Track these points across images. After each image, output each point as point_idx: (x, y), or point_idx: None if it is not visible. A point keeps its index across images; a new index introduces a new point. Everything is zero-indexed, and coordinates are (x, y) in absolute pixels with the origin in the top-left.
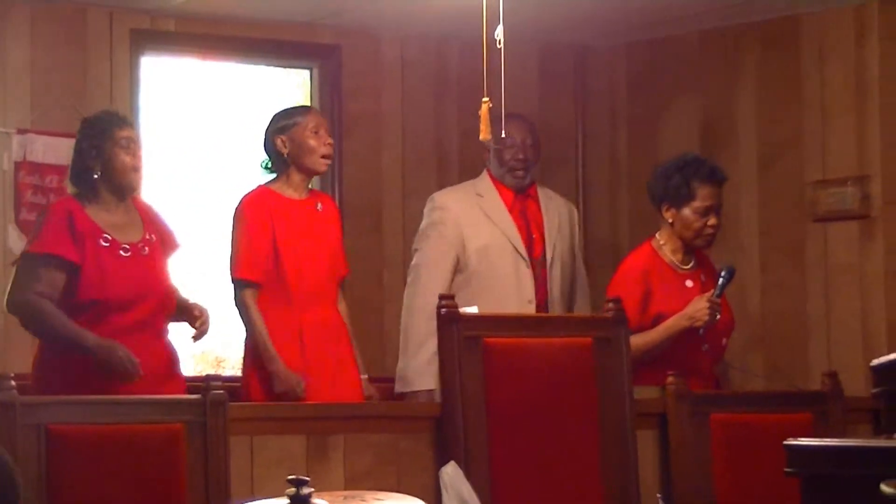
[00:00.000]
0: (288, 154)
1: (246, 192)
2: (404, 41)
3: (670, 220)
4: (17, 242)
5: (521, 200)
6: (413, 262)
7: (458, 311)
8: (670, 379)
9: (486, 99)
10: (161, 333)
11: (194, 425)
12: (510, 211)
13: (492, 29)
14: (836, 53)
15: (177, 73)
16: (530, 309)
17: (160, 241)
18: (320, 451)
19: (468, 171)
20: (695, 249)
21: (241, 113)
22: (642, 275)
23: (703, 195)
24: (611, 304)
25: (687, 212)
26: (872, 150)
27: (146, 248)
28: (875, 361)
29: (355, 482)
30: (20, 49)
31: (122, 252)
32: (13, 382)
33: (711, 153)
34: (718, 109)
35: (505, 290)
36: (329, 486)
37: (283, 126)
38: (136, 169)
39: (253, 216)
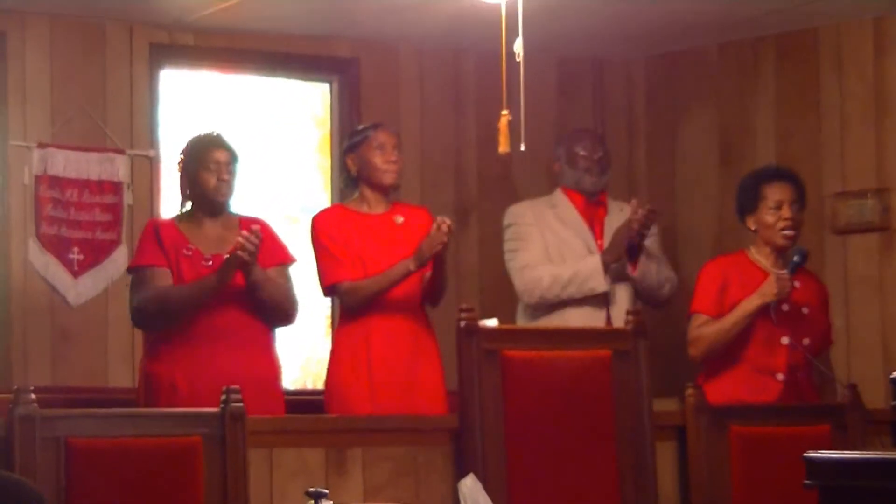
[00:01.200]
0: (358, 172)
1: (318, 210)
2: (422, 54)
3: (754, 228)
4: (38, 256)
5: (593, 207)
6: (507, 248)
7: (477, 324)
8: (690, 391)
9: (504, 111)
10: (254, 345)
11: (212, 438)
12: (582, 216)
13: (510, 41)
14: (854, 65)
15: (196, 87)
16: (602, 315)
17: (259, 254)
18: (339, 463)
19: (486, 184)
20: (784, 253)
21: (261, 127)
22: (722, 267)
23: (771, 192)
24: (630, 317)
25: (762, 212)
26: (892, 161)
27: None
28: (895, 374)
29: (374, 495)
30: (40, 63)
31: (203, 262)
32: (33, 396)
33: (729, 166)
34: (737, 122)
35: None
36: (348, 498)
37: (351, 144)
38: (221, 183)
39: (325, 228)
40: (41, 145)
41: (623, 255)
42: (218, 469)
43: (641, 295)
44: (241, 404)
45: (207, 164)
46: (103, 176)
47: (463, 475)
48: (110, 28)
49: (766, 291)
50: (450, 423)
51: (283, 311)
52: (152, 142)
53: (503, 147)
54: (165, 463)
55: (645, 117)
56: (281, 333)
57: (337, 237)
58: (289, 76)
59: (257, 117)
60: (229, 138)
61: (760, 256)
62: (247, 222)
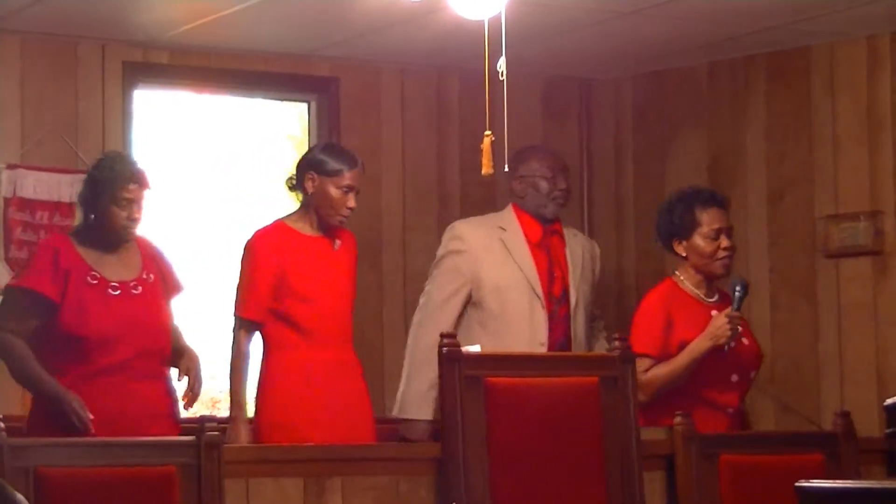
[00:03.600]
0: (312, 194)
1: (260, 226)
2: (404, 73)
3: (683, 254)
4: (6, 280)
5: (547, 236)
6: (425, 288)
7: (460, 350)
8: (678, 419)
9: (488, 132)
10: (152, 375)
11: (188, 468)
12: (533, 246)
13: (494, 61)
14: (847, 85)
15: (171, 107)
16: (541, 351)
17: (160, 280)
18: (318, 494)
19: (470, 207)
20: (715, 283)
21: (238, 148)
22: (663, 303)
23: (708, 219)
24: (617, 343)
25: (697, 239)
26: (885, 184)
27: (139, 287)
28: (889, 401)
29: None
30: (10, 82)
31: (110, 290)
32: (1, 424)
33: (720, 187)
34: (727, 143)
35: (517, 330)
36: None
37: (321, 169)
38: (126, 227)
39: (261, 253)
40: (10, 166)
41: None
42: (194, 500)
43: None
44: (216, 433)
45: (119, 199)
46: (74, 198)
47: None
48: (82, 46)
49: (718, 334)
50: (432, 452)
51: None
52: None
53: (486, 168)
54: (140, 493)
55: (633, 138)
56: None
57: (272, 267)
58: (267, 96)
59: (233, 138)
60: (141, 164)
61: (690, 284)
62: (145, 244)
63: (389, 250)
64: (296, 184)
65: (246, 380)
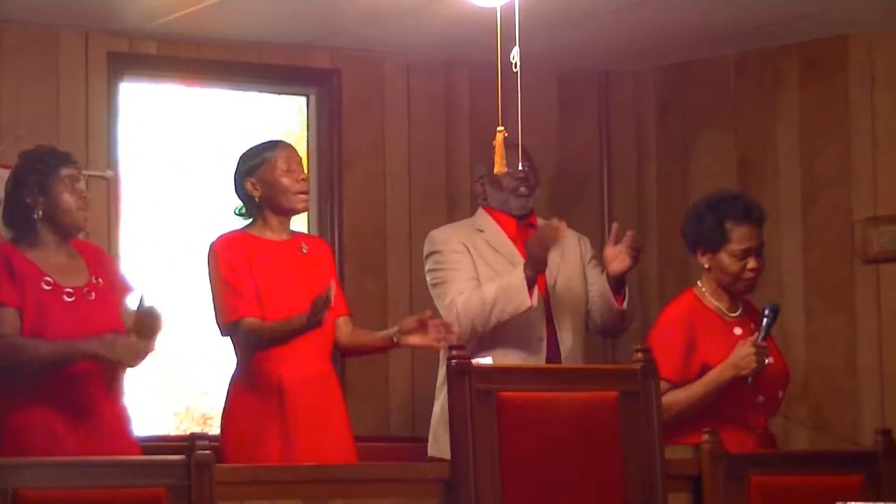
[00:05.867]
0: (261, 197)
1: (215, 236)
2: (410, 65)
3: (707, 266)
4: None
5: (523, 230)
6: (438, 295)
7: (470, 362)
8: (705, 437)
9: (500, 128)
10: (113, 388)
11: (177, 489)
12: (514, 242)
13: (506, 52)
14: (887, 77)
15: (159, 101)
16: (541, 347)
17: (108, 285)
18: None
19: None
20: (739, 296)
21: (229, 145)
22: (685, 322)
23: (738, 237)
24: (639, 355)
25: (723, 256)
26: None
27: (92, 293)
28: None
29: None
30: None
31: (65, 296)
32: None
33: (749, 189)
34: (757, 140)
35: (514, 326)
36: None
37: (250, 167)
38: (82, 208)
39: (228, 257)
40: None
41: (542, 269)
42: None
43: (611, 327)
44: (208, 451)
45: (63, 180)
46: None
47: None
48: (64, 35)
49: (742, 364)
50: (440, 472)
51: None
52: (110, 162)
53: (499, 167)
54: None
55: (655, 135)
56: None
57: (241, 267)
58: (262, 89)
59: (226, 135)
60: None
61: (713, 298)
62: (85, 247)
63: (394, 257)
64: (243, 201)
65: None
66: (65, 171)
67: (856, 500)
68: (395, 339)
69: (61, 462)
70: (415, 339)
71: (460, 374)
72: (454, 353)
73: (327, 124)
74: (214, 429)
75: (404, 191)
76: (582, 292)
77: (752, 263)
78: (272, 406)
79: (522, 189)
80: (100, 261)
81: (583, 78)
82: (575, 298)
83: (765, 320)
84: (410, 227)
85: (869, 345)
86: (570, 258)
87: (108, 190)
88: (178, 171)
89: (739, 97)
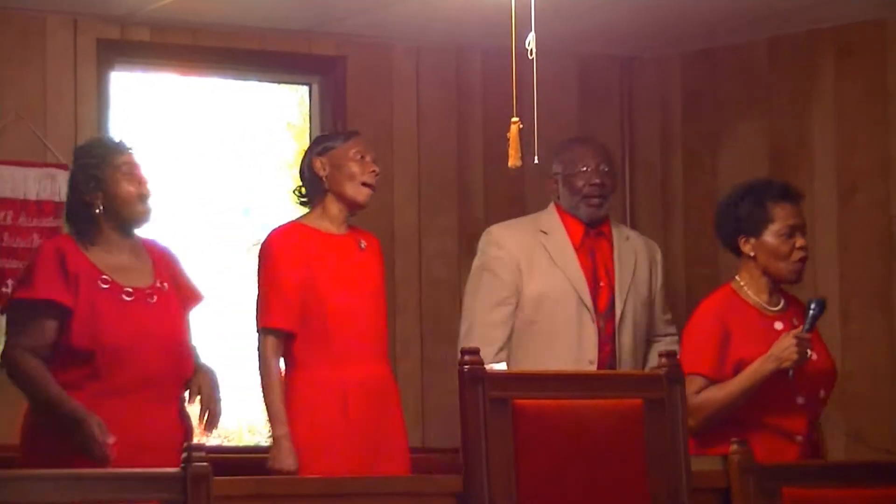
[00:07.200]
0: (327, 178)
1: (274, 227)
2: (419, 52)
3: (752, 253)
4: None
5: (592, 239)
6: (464, 306)
7: (484, 368)
8: (734, 447)
9: (515, 119)
10: (170, 398)
11: None
12: (578, 251)
13: (522, 37)
14: None
15: (152, 91)
16: (590, 370)
17: (175, 290)
18: None
19: (495, 204)
20: (781, 288)
21: (226, 137)
22: (718, 315)
23: (782, 214)
24: (664, 360)
25: (768, 238)
26: None
27: (154, 297)
28: None
29: None
30: None
31: (124, 296)
32: None
33: None
34: (789, 131)
35: (564, 345)
36: None
37: (324, 147)
38: (142, 198)
39: (281, 254)
40: None
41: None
42: None
43: None
44: (205, 464)
45: (120, 168)
46: (43, 195)
47: None
48: (52, 22)
49: (784, 357)
50: (453, 485)
51: None
52: None
53: (514, 160)
54: None
55: (681, 125)
56: (250, 383)
57: (295, 268)
58: (261, 78)
59: (222, 126)
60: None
61: (751, 292)
62: (152, 247)
63: (403, 254)
64: (306, 183)
65: (282, 394)
66: (119, 160)
67: None
68: None
69: (47, 475)
70: None
71: (473, 381)
72: (466, 357)
73: (331, 115)
74: (211, 439)
75: (413, 185)
76: (643, 323)
77: (800, 241)
78: (338, 415)
79: (595, 199)
80: (168, 264)
81: (604, 65)
82: (636, 330)
83: (810, 312)
84: (419, 223)
85: None
86: (640, 286)
87: None
88: (171, 165)
89: (771, 85)
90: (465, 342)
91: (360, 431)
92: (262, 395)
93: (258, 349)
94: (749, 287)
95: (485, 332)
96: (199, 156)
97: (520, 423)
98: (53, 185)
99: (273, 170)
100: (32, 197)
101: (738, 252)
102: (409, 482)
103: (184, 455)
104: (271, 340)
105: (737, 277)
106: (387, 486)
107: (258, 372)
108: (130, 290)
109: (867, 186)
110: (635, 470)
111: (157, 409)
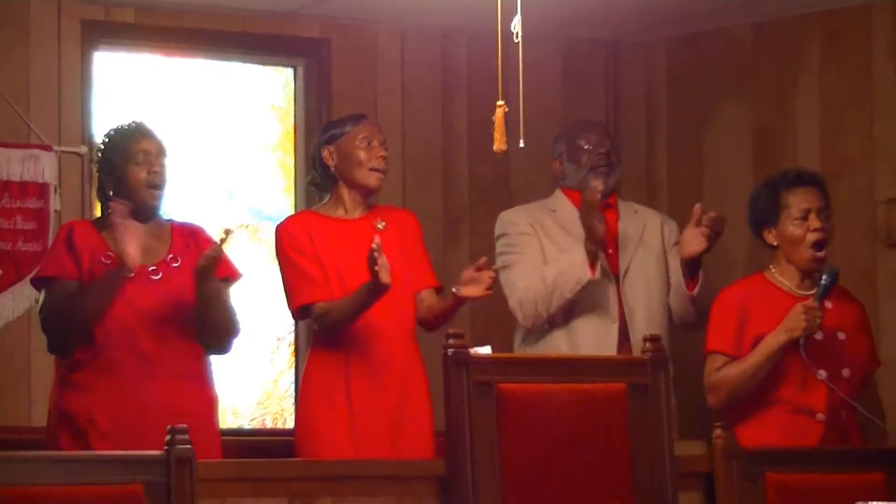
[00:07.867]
0: (335, 167)
1: (284, 218)
2: (404, 34)
3: (775, 243)
4: None
5: (600, 210)
6: (507, 283)
7: (468, 352)
8: (717, 432)
9: (500, 102)
10: (168, 376)
11: (156, 486)
12: None
13: (507, 20)
14: None
15: (136, 72)
16: (613, 331)
17: (188, 268)
18: None
19: (480, 189)
20: (813, 274)
21: (211, 120)
22: (740, 297)
23: (795, 200)
24: (648, 344)
25: (785, 225)
26: None
27: (160, 273)
28: None
29: None
30: None
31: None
32: None
33: (766, 167)
34: (774, 116)
35: (587, 308)
36: None
37: (331, 136)
38: (153, 185)
39: (289, 241)
40: None
41: (599, 239)
42: None
43: (685, 315)
44: (189, 446)
45: (135, 156)
46: (26, 177)
47: None
48: (36, 2)
49: (793, 326)
50: (436, 470)
51: (226, 336)
52: (84, 137)
53: (499, 144)
54: None
55: (667, 110)
56: (235, 364)
57: (307, 249)
58: (246, 60)
59: (206, 108)
60: (156, 128)
61: (783, 277)
62: (181, 230)
63: None
64: (319, 172)
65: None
66: (135, 147)
67: (877, 500)
68: (456, 291)
69: (31, 457)
70: (468, 291)
71: (457, 364)
72: (451, 341)
73: (315, 98)
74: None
75: (398, 169)
76: (659, 278)
77: (814, 223)
78: (339, 395)
79: (602, 168)
80: (188, 242)
81: (589, 49)
82: (649, 284)
83: (822, 283)
84: (404, 206)
85: (891, 334)
86: (649, 242)
87: (83, 167)
88: None
89: (756, 70)
90: (515, 303)
91: (368, 408)
92: (348, 317)
93: (316, 327)
94: (780, 273)
95: (525, 285)
96: (184, 138)
97: (504, 408)
98: (37, 166)
99: (257, 152)
100: (16, 178)
101: (768, 245)
102: (392, 466)
103: (167, 438)
104: (311, 318)
105: (770, 267)
106: (370, 470)
107: (337, 325)
108: (135, 267)
109: (851, 172)
110: (619, 454)
111: (156, 386)
